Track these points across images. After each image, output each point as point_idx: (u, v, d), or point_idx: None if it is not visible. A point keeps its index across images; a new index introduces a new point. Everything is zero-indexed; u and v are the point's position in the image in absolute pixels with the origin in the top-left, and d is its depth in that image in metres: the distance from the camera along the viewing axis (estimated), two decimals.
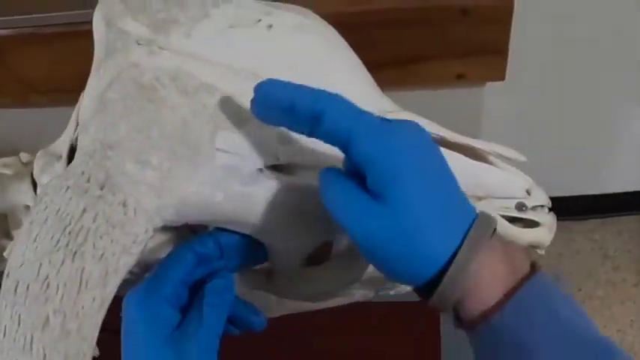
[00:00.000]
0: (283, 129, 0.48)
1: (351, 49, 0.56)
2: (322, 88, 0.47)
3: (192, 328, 0.50)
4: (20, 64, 1.06)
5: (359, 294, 0.63)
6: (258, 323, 0.56)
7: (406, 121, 0.47)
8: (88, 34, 0.55)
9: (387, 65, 1.05)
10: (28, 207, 0.60)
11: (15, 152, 0.64)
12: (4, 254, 0.61)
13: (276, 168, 0.49)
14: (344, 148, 0.46)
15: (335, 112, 0.45)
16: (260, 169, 0.48)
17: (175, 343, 0.49)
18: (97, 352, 0.50)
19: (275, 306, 0.62)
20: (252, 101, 0.46)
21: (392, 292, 0.64)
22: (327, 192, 0.47)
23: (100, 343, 0.46)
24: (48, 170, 0.56)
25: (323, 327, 0.91)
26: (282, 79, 0.46)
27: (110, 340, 0.49)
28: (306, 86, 0.46)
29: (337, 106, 0.45)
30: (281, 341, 0.87)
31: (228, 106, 0.48)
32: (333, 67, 0.53)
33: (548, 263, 1.85)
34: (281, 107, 0.45)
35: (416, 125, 0.47)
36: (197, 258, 0.52)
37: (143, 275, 0.56)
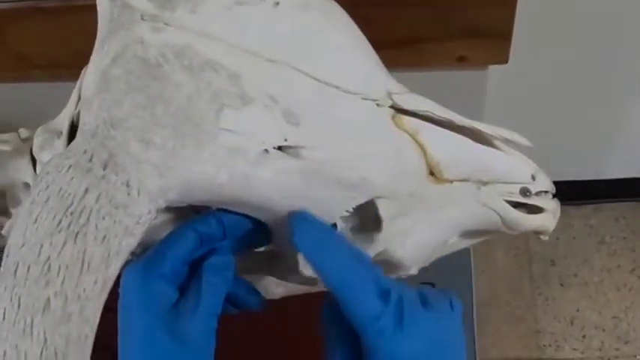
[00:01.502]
0: (290, 108, 0.47)
1: (357, 28, 0.56)
2: (328, 67, 0.49)
3: (189, 306, 0.49)
4: (19, 38, 1.05)
5: None
6: (257, 303, 0.56)
7: (440, 309, 0.51)
8: (89, 9, 0.54)
9: (386, 45, 1.03)
10: (27, 184, 0.59)
11: (13, 128, 0.63)
12: (3, 232, 0.61)
13: (282, 149, 0.48)
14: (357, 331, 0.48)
15: (353, 306, 0.48)
16: (266, 150, 0.47)
17: (172, 321, 0.49)
18: None
19: (274, 288, 0.62)
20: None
21: (394, 277, 0.63)
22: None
23: (100, 322, 0.46)
24: (48, 147, 0.56)
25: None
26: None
27: (107, 318, 0.48)
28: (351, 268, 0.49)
29: (356, 299, 0.48)
30: (279, 322, 0.86)
31: (233, 84, 0.47)
32: (340, 47, 0.52)
33: (543, 248, 1.85)
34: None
35: (448, 318, 0.51)
36: (199, 237, 0.51)
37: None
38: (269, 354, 0.93)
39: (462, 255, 1.22)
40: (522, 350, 1.77)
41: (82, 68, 0.53)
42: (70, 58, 1.01)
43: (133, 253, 0.48)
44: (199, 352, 0.49)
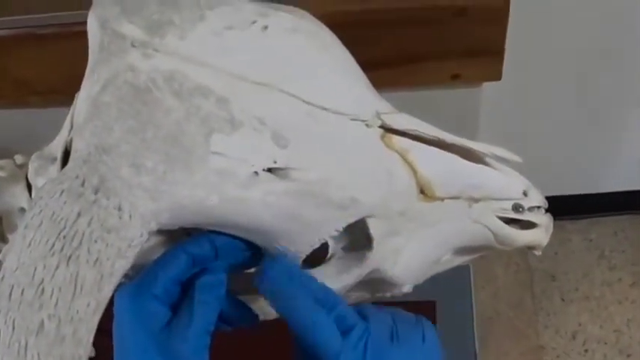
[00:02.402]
0: (279, 130, 0.48)
1: (346, 50, 0.56)
2: (317, 89, 0.50)
3: (182, 325, 0.50)
4: (15, 64, 1.06)
5: (354, 297, 0.63)
6: (250, 320, 0.56)
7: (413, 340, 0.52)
8: (84, 35, 0.54)
9: (381, 65, 1.05)
10: (22, 210, 0.60)
11: (9, 153, 0.64)
12: None
13: (272, 172, 0.49)
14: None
15: (315, 346, 0.50)
16: (256, 173, 0.48)
17: (165, 341, 0.49)
18: (93, 353, 0.50)
19: (269, 308, 0.62)
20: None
21: (388, 295, 0.64)
22: None
23: (95, 343, 0.46)
24: (42, 173, 0.56)
25: None
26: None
27: (106, 341, 0.49)
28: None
29: (316, 339, 0.50)
30: (273, 340, 0.87)
31: (222, 108, 0.48)
32: (328, 69, 0.53)
33: (543, 263, 1.85)
34: None
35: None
36: (191, 259, 0.52)
37: None
38: None
39: (462, 271, 1.22)
40: None
41: (76, 94, 0.54)
42: (64, 84, 1.02)
43: (126, 276, 0.48)
44: None
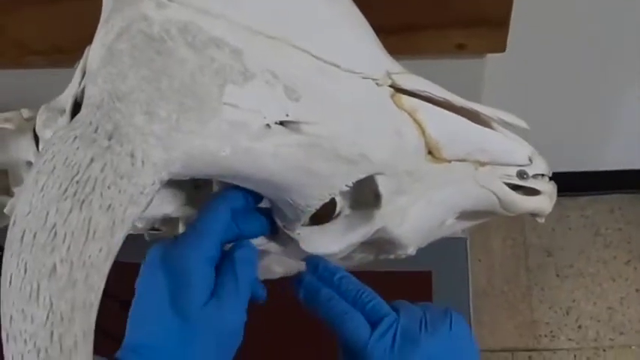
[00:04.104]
0: (291, 84, 0.48)
1: (357, 8, 0.56)
2: (329, 46, 0.50)
3: (226, 298, 0.51)
4: (18, 24, 1.05)
5: (358, 257, 0.63)
6: (261, 295, 0.57)
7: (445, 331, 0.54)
8: None
9: (385, 33, 1.04)
10: (29, 163, 0.60)
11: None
12: (5, 211, 0.61)
13: (284, 125, 0.49)
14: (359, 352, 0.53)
15: (346, 338, 0.54)
16: (268, 125, 0.48)
17: (209, 315, 0.51)
18: None
19: (275, 267, 0.62)
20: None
21: (392, 256, 0.64)
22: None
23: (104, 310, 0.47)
24: (51, 125, 0.56)
25: None
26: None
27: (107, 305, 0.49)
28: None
29: (347, 331, 0.54)
30: (276, 304, 0.87)
31: (236, 60, 0.48)
32: (341, 25, 0.53)
33: (539, 239, 1.86)
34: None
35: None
36: (232, 213, 0.54)
37: (147, 231, 0.56)
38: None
39: (459, 243, 1.23)
40: (518, 340, 1.78)
41: (80, 53, 0.54)
42: (67, 44, 1.02)
43: (134, 228, 0.49)
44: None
